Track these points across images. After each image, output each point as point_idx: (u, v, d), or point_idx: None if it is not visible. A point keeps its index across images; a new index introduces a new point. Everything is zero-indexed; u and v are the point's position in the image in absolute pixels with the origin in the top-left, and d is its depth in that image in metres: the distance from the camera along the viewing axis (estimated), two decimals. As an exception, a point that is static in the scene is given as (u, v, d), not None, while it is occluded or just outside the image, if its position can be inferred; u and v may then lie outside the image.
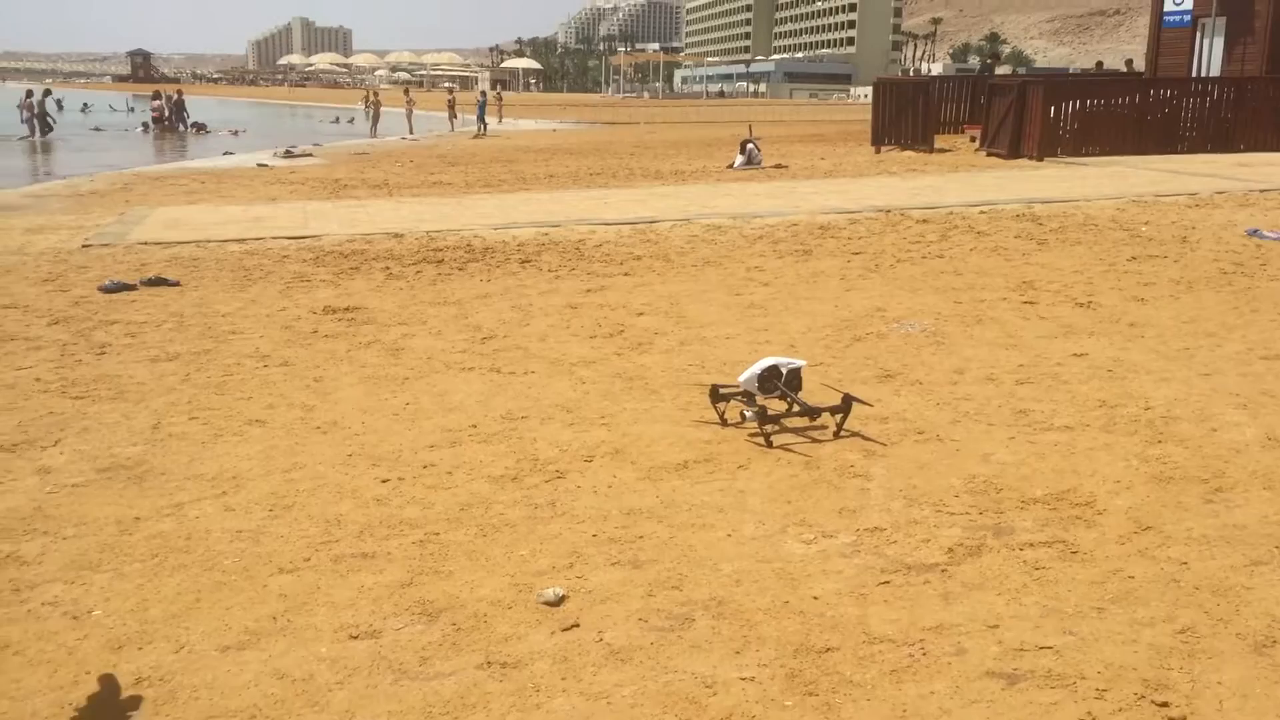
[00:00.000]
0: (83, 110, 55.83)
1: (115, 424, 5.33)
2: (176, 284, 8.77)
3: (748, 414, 5.10)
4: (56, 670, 3.11)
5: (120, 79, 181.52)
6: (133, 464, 4.79)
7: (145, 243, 10.85)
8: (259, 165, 23.08)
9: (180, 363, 6.47)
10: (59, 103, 45.27)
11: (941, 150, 22.04)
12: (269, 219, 12.70)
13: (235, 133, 40.16)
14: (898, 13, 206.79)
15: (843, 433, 5.06)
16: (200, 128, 41.18)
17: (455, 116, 44.32)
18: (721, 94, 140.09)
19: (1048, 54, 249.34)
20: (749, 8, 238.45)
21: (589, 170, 21.10)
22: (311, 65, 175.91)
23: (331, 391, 5.91)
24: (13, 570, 3.75)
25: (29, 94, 36.45)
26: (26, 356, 6.58)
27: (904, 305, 7.78)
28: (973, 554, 3.79)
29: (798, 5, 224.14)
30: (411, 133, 38.87)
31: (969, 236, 10.80)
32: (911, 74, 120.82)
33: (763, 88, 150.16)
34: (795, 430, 5.13)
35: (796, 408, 5.17)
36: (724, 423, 5.26)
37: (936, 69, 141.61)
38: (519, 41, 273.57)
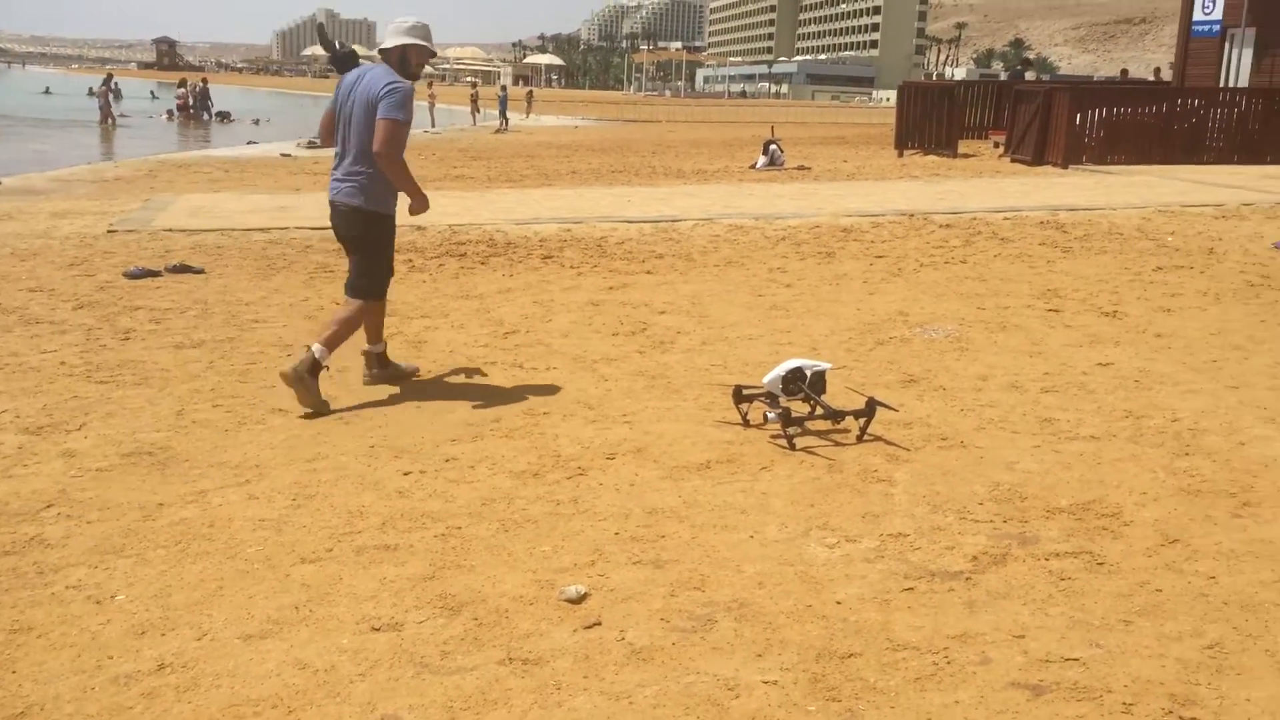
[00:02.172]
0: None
1: (139, 409, 5.35)
2: (201, 271, 8.79)
3: (770, 415, 5.08)
4: (80, 654, 3.12)
5: (145, 66, 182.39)
6: (157, 450, 4.80)
7: (170, 229, 10.89)
8: (282, 155, 23.16)
9: (204, 350, 6.48)
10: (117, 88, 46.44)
11: (965, 155, 21.94)
12: (293, 209, 12.72)
13: (257, 122, 40.32)
14: (922, 16, 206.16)
15: (866, 437, 5.03)
16: (224, 116, 41.36)
17: (478, 111, 44.41)
18: (744, 94, 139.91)
19: (1072, 61, 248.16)
20: (772, 8, 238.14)
21: (611, 167, 21.10)
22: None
23: (354, 383, 5.91)
24: (37, 553, 3.76)
25: (107, 81, 37.87)
26: (52, 340, 6.61)
27: (927, 310, 7.75)
28: (997, 562, 3.76)
29: (822, 7, 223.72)
30: (434, 126, 38.92)
31: (993, 243, 10.74)
32: (935, 78, 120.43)
33: (784, 88, 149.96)
34: (818, 433, 5.11)
35: (819, 410, 5.15)
36: (746, 424, 5.24)
37: (960, 74, 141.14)
38: (542, 37, 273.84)
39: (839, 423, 5.15)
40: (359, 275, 5.75)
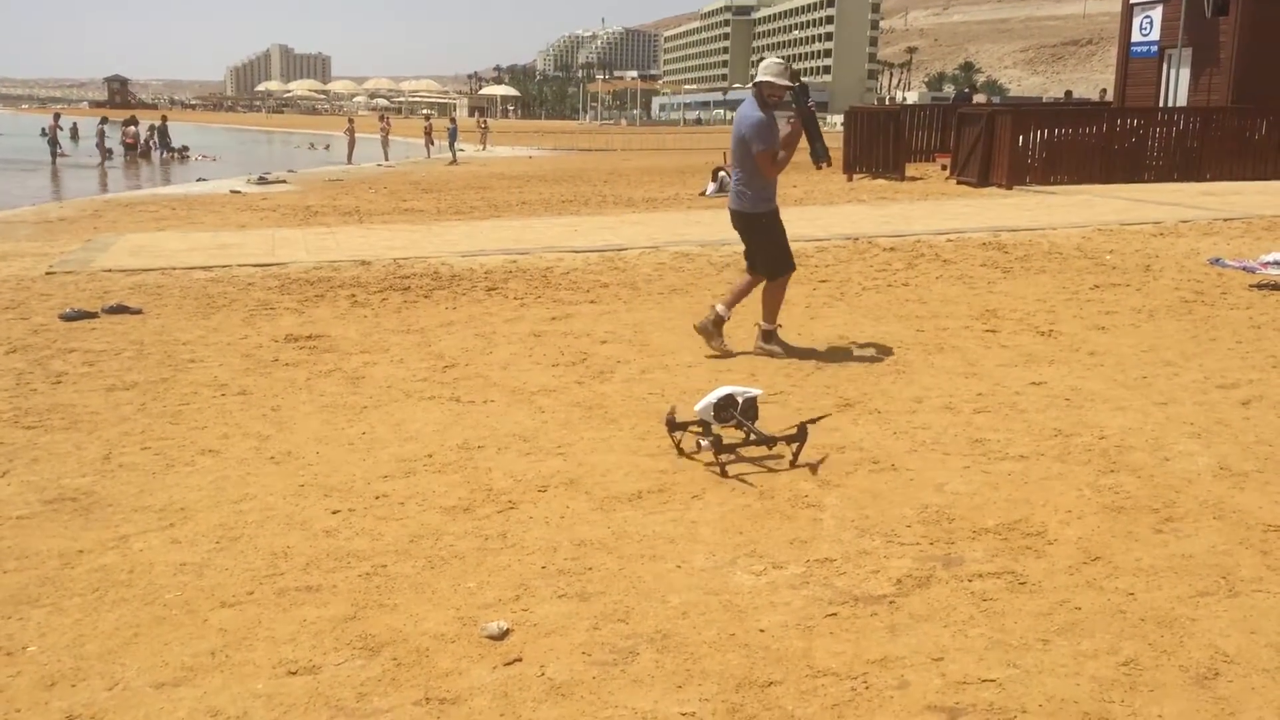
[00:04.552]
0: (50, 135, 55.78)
1: (66, 454, 5.27)
2: (139, 312, 8.70)
3: (703, 443, 5.09)
4: (-15, 709, 3.05)
5: (97, 105, 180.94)
6: (81, 495, 4.73)
7: (110, 270, 10.78)
8: (231, 192, 23.02)
9: (137, 391, 6.41)
10: (74, 129, 46.91)
11: (912, 178, 22.19)
12: (236, 246, 12.64)
13: (206, 158, 40.13)
14: (873, 42, 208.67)
15: (798, 463, 5.05)
16: (182, 153, 41.07)
17: (431, 143, 44.40)
18: (699, 121, 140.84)
19: (1022, 83, 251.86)
20: (726, 36, 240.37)
21: (561, 197, 21.14)
22: (289, 92, 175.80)
23: (288, 421, 5.86)
24: (-51, 605, 3.69)
25: (103, 121, 38.04)
26: (-20, 386, 6.50)
27: (867, 333, 7.81)
28: (921, 585, 3.78)
29: (775, 34, 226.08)
30: (387, 159, 38.87)
31: (935, 265, 10.86)
32: (887, 102, 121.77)
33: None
34: (752, 460, 5.12)
35: (753, 436, 5.17)
36: (680, 452, 5.25)
37: (912, 97, 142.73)
38: (498, 69, 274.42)
39: (772, 448, 5.17)
40: (754, 259, 7.51)
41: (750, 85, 7.27)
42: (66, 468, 5.09)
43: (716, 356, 7.14)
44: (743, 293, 7.47)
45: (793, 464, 5.06)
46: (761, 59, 7.26)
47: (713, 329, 7.26)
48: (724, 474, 4.94)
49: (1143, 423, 5.60)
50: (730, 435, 5.21)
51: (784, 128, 7.15)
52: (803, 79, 7.56)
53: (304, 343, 7.67)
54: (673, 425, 5.31)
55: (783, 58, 7.72)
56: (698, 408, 5.27)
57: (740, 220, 7.42)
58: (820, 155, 7.20)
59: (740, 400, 5.26)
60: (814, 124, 7.25)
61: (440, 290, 9.76)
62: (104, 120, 39.35)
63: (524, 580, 3.86)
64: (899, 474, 4.93)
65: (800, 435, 5.09)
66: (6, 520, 4.44)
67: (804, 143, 7.19)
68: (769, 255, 7.38)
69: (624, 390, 6.44)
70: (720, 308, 7.29)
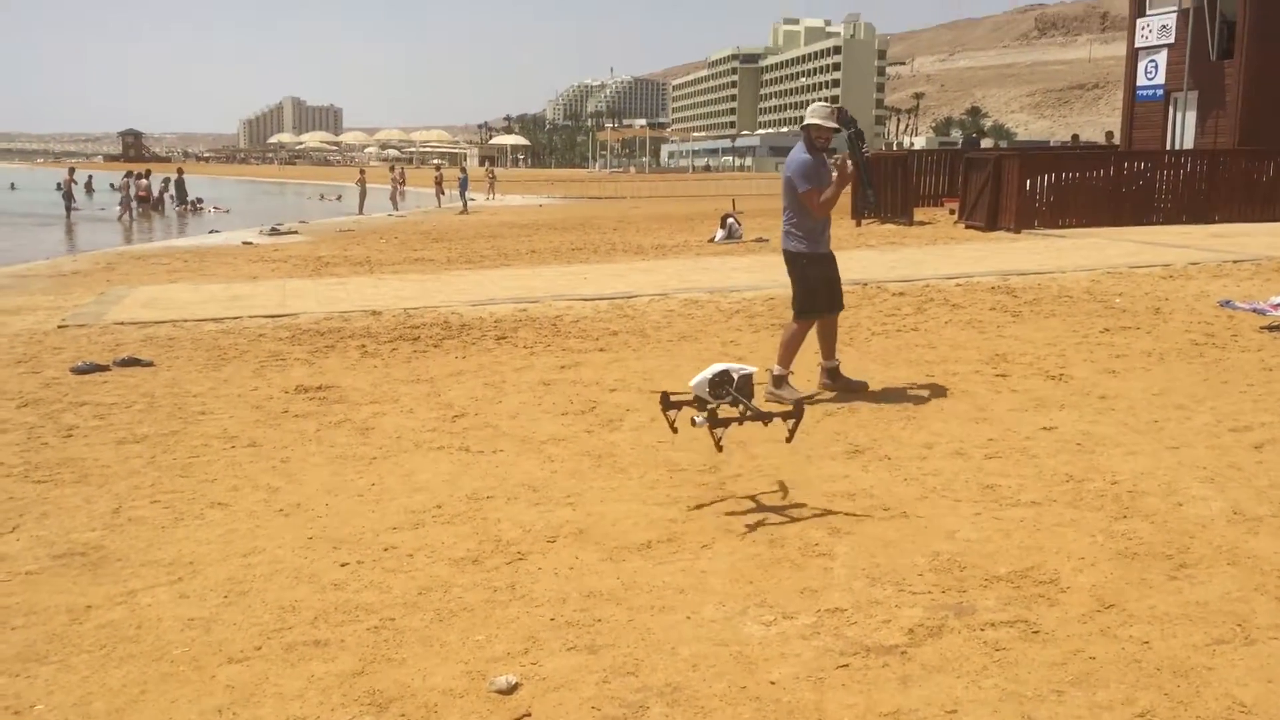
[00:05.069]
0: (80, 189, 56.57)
1: (75, 508, 5.28)
2: (150, 364, 8.74)
3: (698, 419, 5.10)
4: (-9, 768, 3.04)
5: (112, 158, 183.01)
6: (89, 549, 4.73)
7: (122, 322, 10.85)
8: (244, 243, 23.19)
9: (147, 444, 6.42)
10: (89, 182, 48.05)
11: (921, 223, 22.26)
12: (247, 297, 12.72)
13: (219, 210, 40.53)
14: (880, 88, 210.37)
15: (809, 511, 5.03)
16: (197, 205, 41.46)
17: (442, 193, 44.75)
18: (708, 168, 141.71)
19: (1029, 127, 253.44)
20: (734, 84, 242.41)
21: (571, 245, 21.25)
22: (301, 144, 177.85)
23: (297, 473, 5.87)
24: (-44, 663, 3.68)
25: (129, 174, 38.56)
26: (-8, 440, 6.53)
27: (877, 379, 7.79)
28: (933, 634, 3.74)
29: (782, 82, 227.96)
30: (397, 209, 39.16)
31: (944, 309, 10.86)
32: (895, 147, 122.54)
33: (748, 161, 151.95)
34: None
35: (749, 413, 5.21)
36: (675, 430, 5.34)
37: (920, 142, 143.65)
38: (508, 118, 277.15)
39: (768, 424, 5.21)
40: (793, 299, 7.55)
41: (799, 128, 7.48)
42: (76, 522, 5.09)
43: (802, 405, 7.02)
44: (824, 338, 7.57)
45: (789, 440, 5.23)
46: (812, 103, 7.53)
47: (777, 391, 7.26)
48: (719, 448, 5.11)
49: (1155, 467, 5.56)
50: (725, 413, 5.22)
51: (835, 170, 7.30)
52: (857, 123, 7.68)
53: (314, 393, 7.69)
54: (667, 404, 5.31)
55: (830, 99, 8.10)
56: (692, 384, 5.27)
57: (785, 258, 7.59)
58: (866, 204, 7.43)
59: (736, 377, 5.23)
60: (866, 170, 7.37)
61: (450, 339, 9.79)
62: (130, 173, 39.75)
63: (533, 633, 3.84)
64: (910, 521, 4.90)
65: (796, 412, 5.11)
66: (16, 575, 4.44)
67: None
68: (796, 294, 7.51)
69: (633, 439, 6.43)
70: (776, 368, 7.32)
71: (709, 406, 5.15)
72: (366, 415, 7.11)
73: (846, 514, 5.00)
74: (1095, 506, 5.01)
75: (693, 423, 5.13)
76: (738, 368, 5.31)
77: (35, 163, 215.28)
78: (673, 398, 5.34)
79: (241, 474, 5.83)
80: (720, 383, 5.20)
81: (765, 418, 5.14)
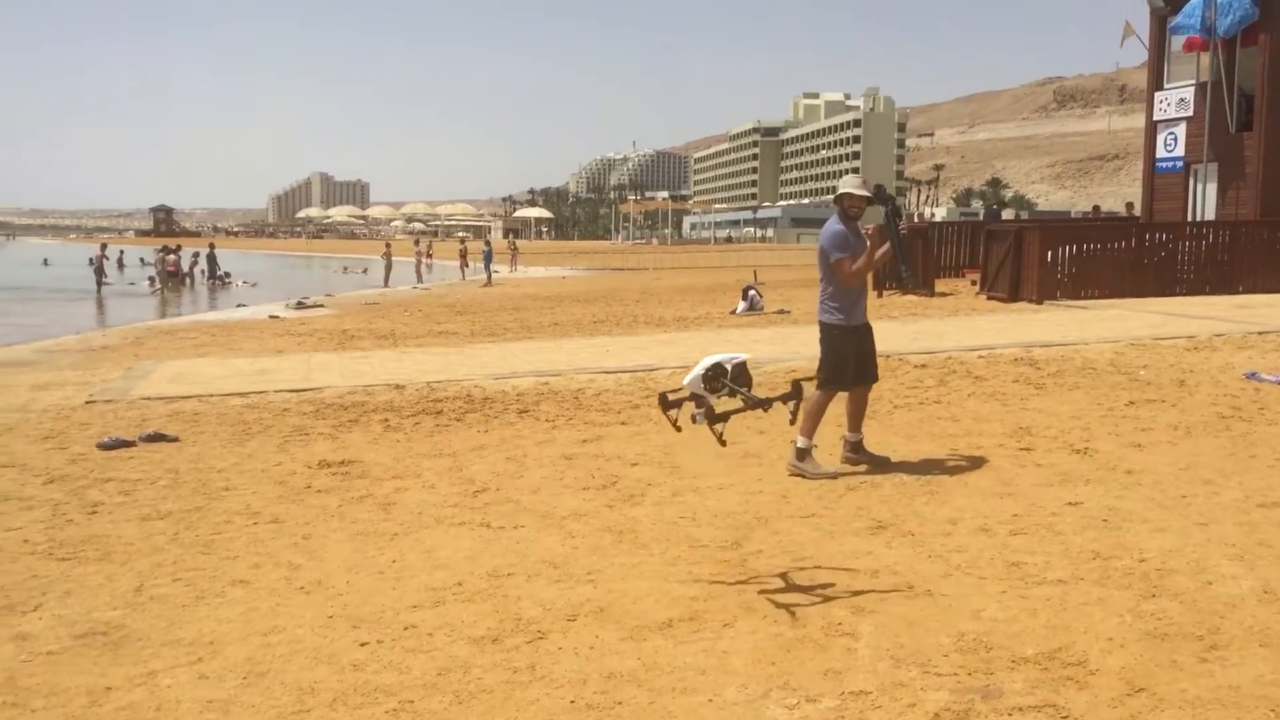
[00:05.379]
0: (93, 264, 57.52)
1: (98, 587, 5.29)
2: (175, 439, 8.81)
3: (698, 417, 5.07)
4: None
5: (143, 234, 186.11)
6: (111, 629, 4.73)
7: (148, 398, 10.95)
8: (270, 317, 23.46)
9: (170, 521, 6.45)
10: (119, 258, 49.19)
11: (942, 294, 22.28)
12: (273, 371, 12.83)
13: (246, 284, 41.06)
14: (900, 160, 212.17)
15: (829, 594, 4.98)
16: (225, 279, 42.06)
17: (466, 265, 45.24)
18: (729, 239, 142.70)
19: (1050, 197, 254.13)
20: (755, 156, 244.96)
21: (594, 317, 21.37)
22: (329, 218, 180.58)
23: (319, 549, 5.87)
24: (-25, 745, 3.67)
25: (162, 250, 39.62)
26: (17, 517, 6.57)
27: (900, 453, 7.75)
28: (959, 719, 3.68)
29: (802, 154, 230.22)
30: (422, 282, 39.56)
31: (967, 381, 10.83)
32: (915, 219, 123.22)
33: (770, 232, 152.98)
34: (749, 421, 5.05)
35: (748, 402, 5.24)
36: (677, 428, 5.31)
37: (940, 213, 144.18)
38: (531, 191, 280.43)
39: (768, 410, 5.20)
40: (819, 369, 7.54)
41: (832, 198, 7.65)
42: (98, 600, 5.10)
43: (831, 476, 7.15)
44: (852, 411, 7.60)
45: (792, 421, 5.29)
46: (846, 175, 7.75)
47: (799, 464, 7.25)
48: (722, 443, 5.11)
49: (1183, 544, 5.49)
50: (725, 405, 5.21)
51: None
52: (895, 200, 7.78)
53: (337, 468, 7.72)
54: (667, 404, 5.28)
55: (855, 169, 8.39)
56: (686, 381, 5.26)
57: (820, 329, 7.60)
58: (901, 281, 7.50)
59: (729, 367, 5.20)
60: (900, 243, 7.43)
61: (472, 413, 9.83)
62: (164, 248, 40.69)
63: (553, 715, 3.80)
64: (934, 600, 4.84)
65: (795, 393, 5.10)
66: (38, 656, 4.44)
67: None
68: (823, 364, 7.52)
69: (655, 514, 6.41)
70: (800, 439, 7.25)
71: (707, 400, 5.15)
72: (388, 490, 7.12)
73: (870, 592, 4.95)
74: (1123, 585, 4.94)
75: (693, 420, 5.12)
76: (730, 357, 5.30)
77: (68, 238, 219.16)
78: (671, 396, 5.33)
79: (263, 551, 5.84)
80: (714, 375, 5.19)
81: (764, 404, 5.14)
